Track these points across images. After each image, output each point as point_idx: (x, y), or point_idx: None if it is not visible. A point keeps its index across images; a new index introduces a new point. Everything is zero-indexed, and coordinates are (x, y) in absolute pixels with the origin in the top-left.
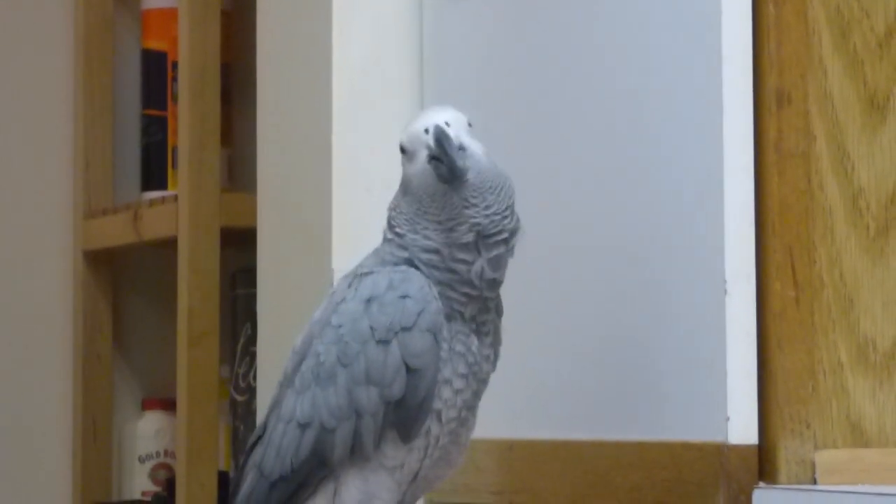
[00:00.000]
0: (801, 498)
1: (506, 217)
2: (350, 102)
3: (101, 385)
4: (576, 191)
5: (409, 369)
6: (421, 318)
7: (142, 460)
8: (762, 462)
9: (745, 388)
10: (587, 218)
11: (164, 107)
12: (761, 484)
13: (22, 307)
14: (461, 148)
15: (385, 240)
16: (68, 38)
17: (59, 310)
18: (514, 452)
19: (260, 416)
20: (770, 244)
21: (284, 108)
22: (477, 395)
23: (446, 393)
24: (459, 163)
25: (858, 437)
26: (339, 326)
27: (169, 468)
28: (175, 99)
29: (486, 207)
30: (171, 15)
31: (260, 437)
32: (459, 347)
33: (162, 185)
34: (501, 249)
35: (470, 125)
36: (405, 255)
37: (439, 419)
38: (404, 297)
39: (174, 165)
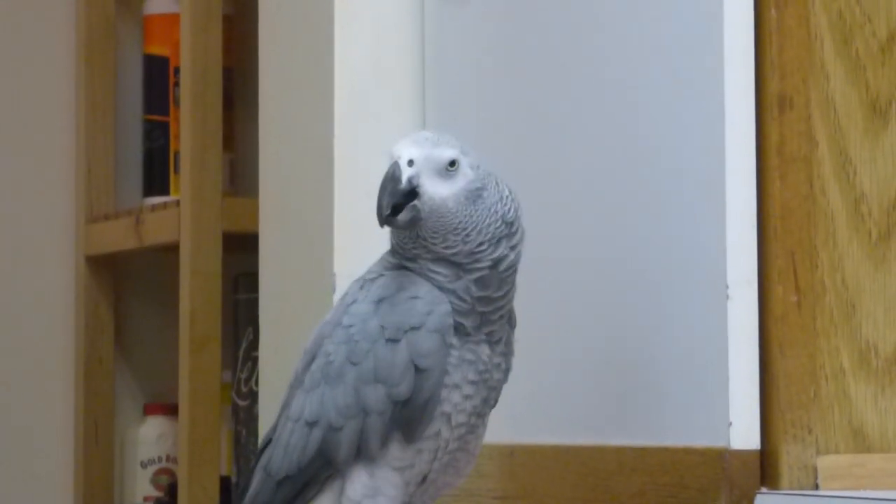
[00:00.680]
0: (804, 503)
1: (479, 253)
2: (352, 107)
3: (103, 390)
4: (577, 195)
5: (416, 369)
6: (430, 319)
7: (144, 465)
8: (764, 467)
9: (747, 392)
10: (589, 223)
11: (165, 112)
12: (763, 489)
13: (24, 312)
14: (413, 191)
15: (391, 250)
16: (70, 43)
17: (61, 314)
18: (516, 457)
19: (262, 421)
20: (772, 249)
21: (286, 112)
22: (487, 403)
23: (456, 397)
24: (384, 210)
25: (860, 442)
26: (350, 326)
27: (171, 473)
28: (177, 104)
29: (447, 248)
30: (172, 20)
31: (270, 440)
32: (469, 356)
33: (164, 190)
34: (485, 273)
35: (453, 164)
36: (414, 265)
37: (449, 422)
38: (414, 297)
39: (176, 170)
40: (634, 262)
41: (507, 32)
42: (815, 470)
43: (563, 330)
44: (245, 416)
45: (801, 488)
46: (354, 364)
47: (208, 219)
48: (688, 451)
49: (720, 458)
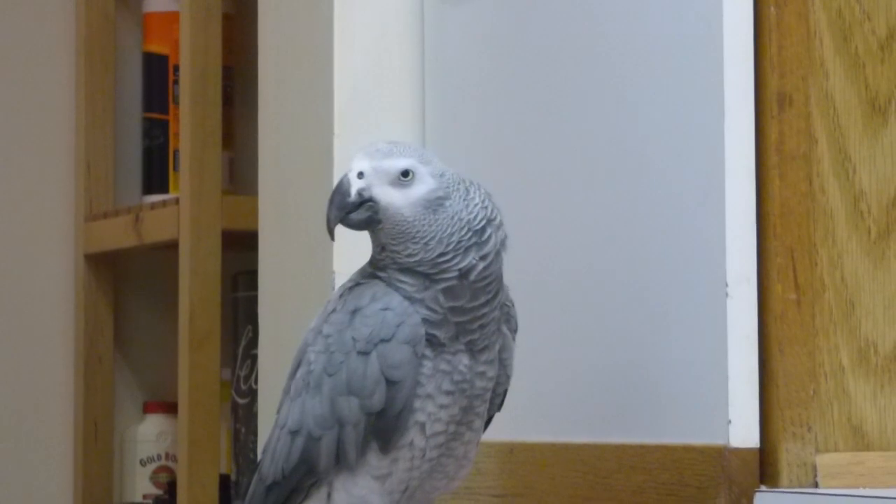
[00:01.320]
0: (803, 501)
1: (444, 262)
2: (351, 105)
3: (103, 388)
4: (576, 193)
5: (388, 381)
6: (400, 331)
7: (143, 463)
8: (763, 465)
9: (747, 390)
10: (588, 221)
11: (165, 110)
12: (762, 487)
13: (23, 310)
14: (369, 200)
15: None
16: (70, 41)
17: (60, 313)
18: (516, 455)
19: (261, 419)
20: (771, 247)
21: (286, 110)
22: (468, 411)
23: (430, 407)
24: (331, 224)
25: (860, 440)
26: (328, 336)
27: (170, 471)
28: (176, 102)
29: (409, 256)
30: (172, 18)
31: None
32: (444, 366)
33: (163, 188)
34: (452, 283)
35: (407, 173)
36: (383, 274)
37: (423, 432)
38: (385, 309)
39: (175, 168)
40: (634, 260)
41: (507, 32)
42: (814, 468)
43: (563, 328)
44: (244, 414)
45: (801, 486)
46: (330, 375)
47: (208, 217)
48: (687, 449)
49: (719, 456)
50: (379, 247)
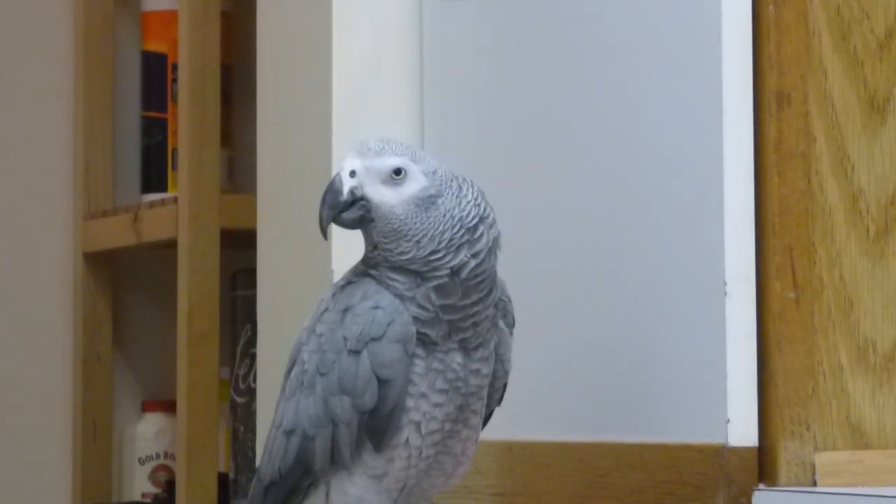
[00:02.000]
0: (801, 500)
1: (436, 260)
2: (350, 104)
3: (101, 386)
4: (574, 192)
5: (379, 380)
6: (390, 329)
7: (142, 462)
8: (762, 464)
9: (745, 389)
10: (586, 220)
11: (164, 108)
12: (761, 486)
13: (22, 309)
14: (361, 198)
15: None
16: (68, 40)
17: (59, 311)
18: (514, 454)
19: (260, 418)
20: (770, 245)
21: (284, 109)
22: (464, 409)
23: (424, 406)
24: (324, 223)
25: (858, 438)
26: (321, 335)
27: (169, 470)
28: (175, 100)
29: (401, 254)
30: (171, 17)
31: None
32: (437, 365)
33: (162, 187)
34: (444, 280)
35: (399, 171)
36: (375, 272)
37: (418, 431)
38: (376, 307)
39: (174, 167)
40: (632, 258)
41: (506, 31)
42: (812, 466)
43: (562, 327)
44: (243, 413)
45: (799, 485)
46: (322, 375)
47: (206, 215)
48: (686, 448)
49: (718, 455)
50: (371, 245)
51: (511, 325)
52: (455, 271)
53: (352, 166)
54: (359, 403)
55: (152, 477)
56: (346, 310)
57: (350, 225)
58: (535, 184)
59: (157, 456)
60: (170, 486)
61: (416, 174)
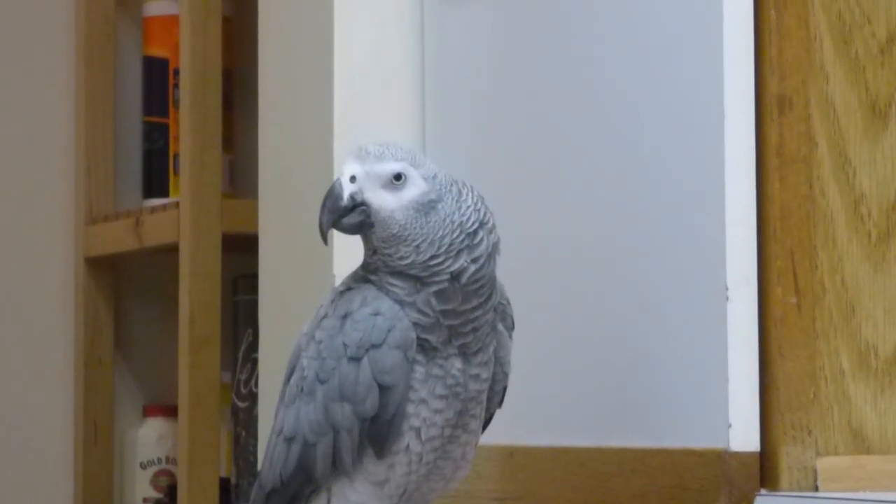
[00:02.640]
0: None
1: (436, 265)
2: (351, 108)
3: (103, 391)
4: (576, 196)
5: (380, 386)
6: (390, 335)
7: (143, 467)
8: (764, 469)
9: (747, 394)
10: (588, 223)
11: (165, 113)
12: (763, 491)
13: (24, 313)
14: (361, 204)
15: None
16: (70, 45)
17: (60, 316)
18: (516, 459)
19: (261, 423)
20: (771, 250)
21: (286, 113)
22: (463, 414)
23: (424, 412)
24: (324, 228)
25: (860, 443)
26: (320, 342)
27: (170, 474)
28: (176, 105)
29: (401, 259)
30: (172, 22)
31: None
32: (437, 371)
33: (163, 192)
34: (444, 286)
35: (399, 177)
36: (374, 277)
37: (419, 436)
38: (376, 314)
39: (176, 172)
40: (634, 262)
41: (507, 33)
42: (814, 471)
43: (563, 331)
44: (244, 418)
45: (801, 490)
46: (322, 382)
47: (208, 220)
48: (687, 453)
49: (720, 460)
50: (371, 250)
51: (510, 328)
52: (455, 276)
53: (352, 171)
54: (360, 410)
55: (154, 482)
56: (345, 316)
57: (350, 230)
58: (535, 187)
59: (159, 460)
60: (171, 490)
61: (416, 179)
